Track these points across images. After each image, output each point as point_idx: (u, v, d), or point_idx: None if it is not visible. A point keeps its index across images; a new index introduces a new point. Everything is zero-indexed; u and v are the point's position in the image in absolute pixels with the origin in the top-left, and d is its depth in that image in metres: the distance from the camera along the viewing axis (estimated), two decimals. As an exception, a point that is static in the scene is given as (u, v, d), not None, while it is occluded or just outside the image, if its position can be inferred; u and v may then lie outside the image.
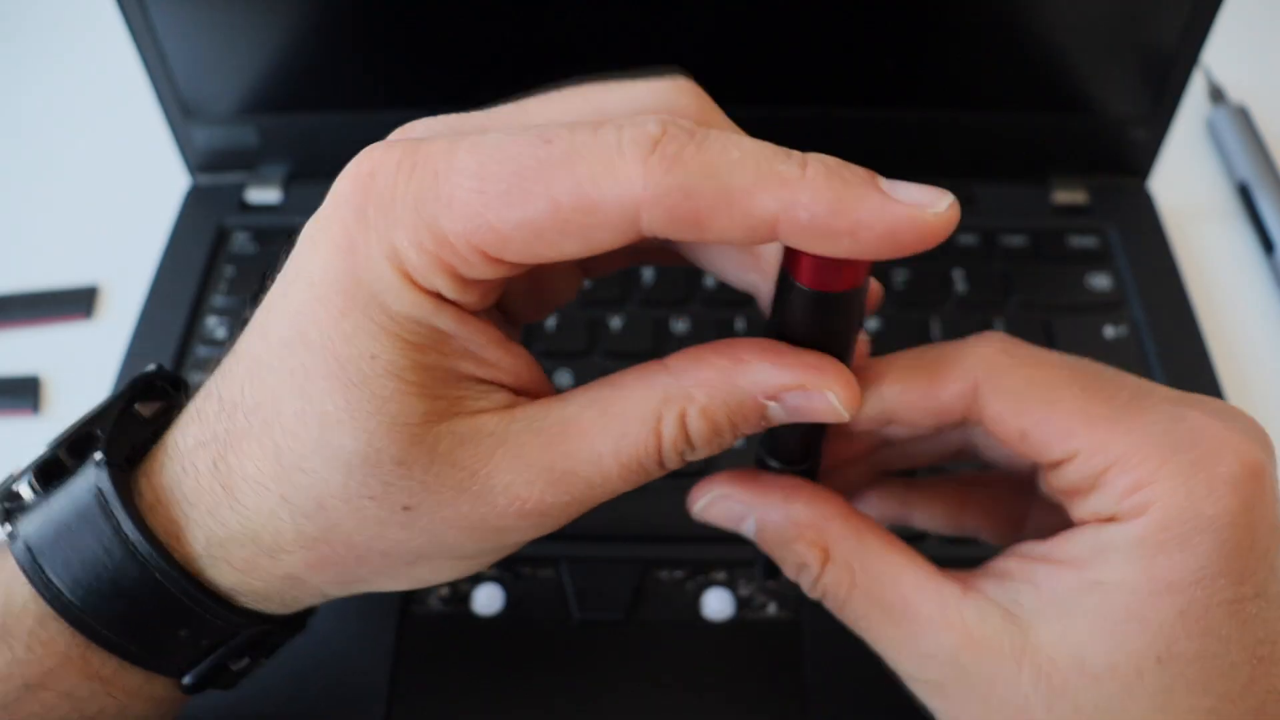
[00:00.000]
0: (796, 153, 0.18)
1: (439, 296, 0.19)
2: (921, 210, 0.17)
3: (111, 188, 0.45)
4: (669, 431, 0.20)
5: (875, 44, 0.37)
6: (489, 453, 0.20)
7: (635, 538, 0.32)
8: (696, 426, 0.20)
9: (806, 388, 0.19)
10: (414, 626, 0.30)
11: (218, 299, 0.38)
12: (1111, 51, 0.37)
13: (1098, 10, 0.36)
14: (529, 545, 0.31)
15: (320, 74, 0.38)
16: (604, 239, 0.18)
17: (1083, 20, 0.36)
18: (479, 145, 0.18)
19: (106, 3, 0.36)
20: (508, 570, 0.31)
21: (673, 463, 0.20)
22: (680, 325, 0.37)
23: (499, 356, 0.20)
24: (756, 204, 0.17)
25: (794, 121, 0.40)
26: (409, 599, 0.31)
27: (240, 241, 0.40)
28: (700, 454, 0.20)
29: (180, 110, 0.39)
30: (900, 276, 0.38)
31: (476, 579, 0.31)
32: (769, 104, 0.39)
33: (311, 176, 0.42)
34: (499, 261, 0.18)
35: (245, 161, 0.41)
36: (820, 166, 0.17)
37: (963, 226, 0.40)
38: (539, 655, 0.30)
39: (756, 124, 0.41)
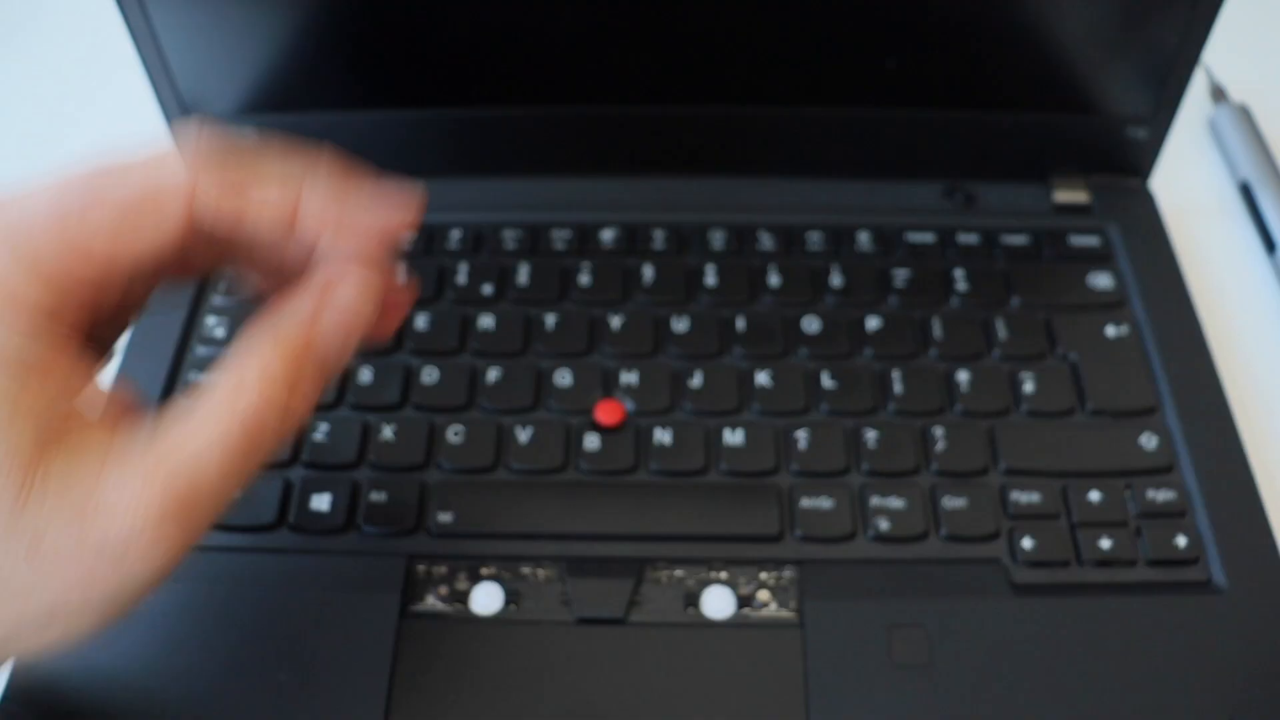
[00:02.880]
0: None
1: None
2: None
3: (111, 187, 0.45)
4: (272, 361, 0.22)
5: (874, 44, 0.37)
6: (99, 465, 0.20)
7: (634, 537, 0.32)
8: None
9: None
10: (412, 626, 0.30)
11: (216, 298, 0.38)
12: (1112, 50, 0.37)
13: (1099, 9, 0.36)
14: (527, 544, 0.31)
15: (319, 73, 0.38)
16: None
17: (1084, 19, 0.36)
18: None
19: (105, 0, 0.36)
20: (506, 570, 0.31)
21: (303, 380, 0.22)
22: (680, 325, 0.37)
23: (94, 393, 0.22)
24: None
25: (795, 121, 0.40)
26: (408, 599, 0.31)
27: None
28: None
29: (179, 109, 0.39)
30: (900, 275, 0.38)
31: (475, 578, 0.31)
32: (771, 104, 0.39)
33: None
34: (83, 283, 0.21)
35: (244, 161, 0.41)
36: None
37: (963, 226, 0.40)
38: (537, 655, 0.29)
39: (759, 124, 0.41)
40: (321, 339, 0.23)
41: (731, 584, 0.31)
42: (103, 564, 0.19)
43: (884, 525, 0.32)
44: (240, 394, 0.21)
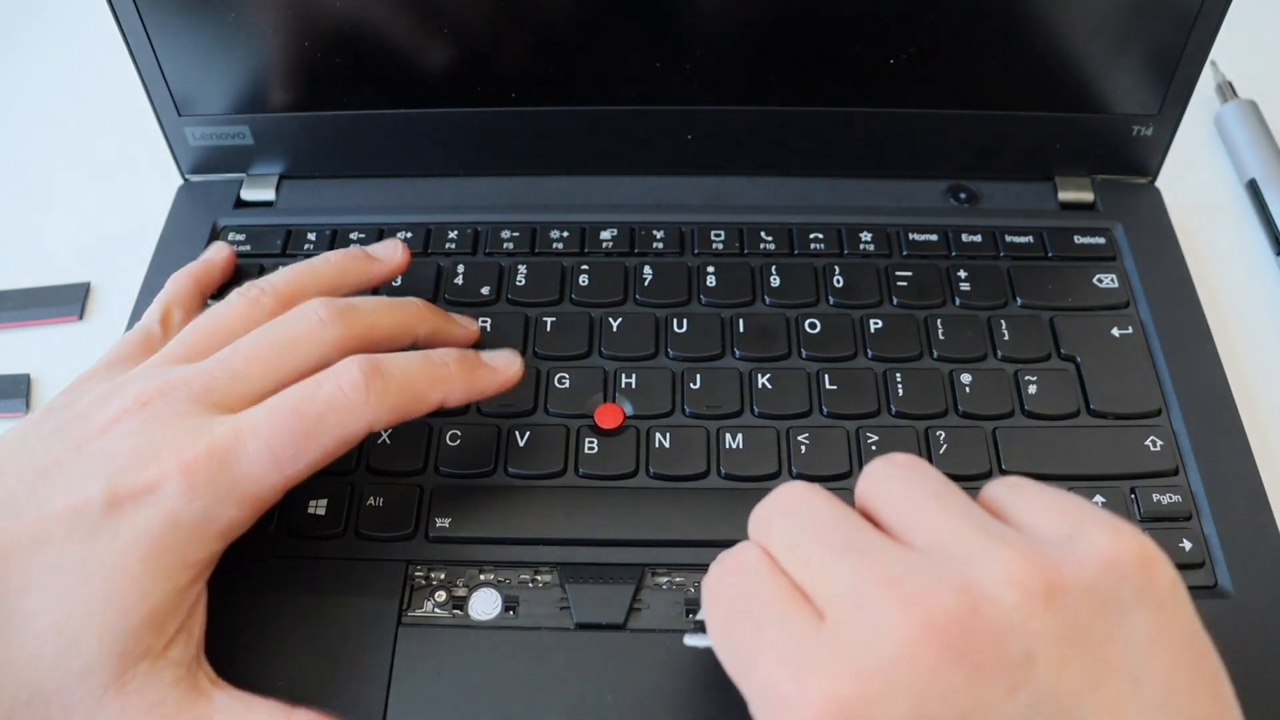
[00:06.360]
0: (437, 354, 0.30)
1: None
2: (508, 368, 0.31)
3: (104, 185, 0.45)
4: None
5: (880, 42, 0.36)
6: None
7: (634, 542, 0.31)
8: None
9: None
10: (410, 633, 0.30)
11: (210, 298, 0.38)
12: (1118, 47, 0.37)
13: (1106, 6, 0.35)
14: (525, 549, 0.31)
15: (314, 73, 0.38)
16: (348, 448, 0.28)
17: (1089, 15, 0.36)
18: (261, 423, 0.27)
19: (99, 1, 0.36)
20: (504, 575, 0.31)
21: None
22: (680, 326, 0.36)
23: None
24: (433, 399, 0.29)
25: (801, 119, 0.39)
26: (405, 605, 0.30)
27: (233, 239, 0.40)
28: None
29: (174, 108, 0.39)
30: (902, 276, 0.38)
31: (473, 584, 0.31)
32: (776, 104, 0.39)
33: (305, 176, 0.42)
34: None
35: (239, 160, 0.41)
36: (457, 365, 0.30)
37: (967, 225, 0.39)
38: (536, 661, 0.29)
39: (760, 123, 0.41)
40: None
41: (732, 590, 0.31)
42: None
43: (886, 530, 0.31)
44: None
